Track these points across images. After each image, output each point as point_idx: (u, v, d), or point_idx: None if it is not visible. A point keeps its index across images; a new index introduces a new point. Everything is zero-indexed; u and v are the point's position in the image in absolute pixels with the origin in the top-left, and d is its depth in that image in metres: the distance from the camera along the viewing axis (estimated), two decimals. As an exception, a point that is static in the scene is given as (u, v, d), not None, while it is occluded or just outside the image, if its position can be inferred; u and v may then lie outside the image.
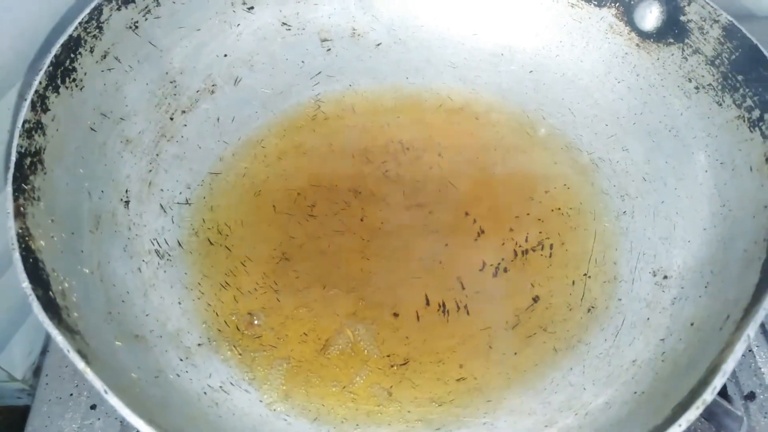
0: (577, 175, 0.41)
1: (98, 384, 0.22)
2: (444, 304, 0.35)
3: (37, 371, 0.42)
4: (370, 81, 0.44)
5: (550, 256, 0.37)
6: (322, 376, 0.32)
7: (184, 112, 0.40)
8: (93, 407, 0.36)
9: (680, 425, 0.23)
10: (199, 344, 0.33)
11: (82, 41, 0.34)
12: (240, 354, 0.33)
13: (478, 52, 0.44)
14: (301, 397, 0.32)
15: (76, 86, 0.34)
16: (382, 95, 0.44)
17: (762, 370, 0.37)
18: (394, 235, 0.38)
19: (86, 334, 0.26)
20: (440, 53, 0.45)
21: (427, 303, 0.36)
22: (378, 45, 0.45)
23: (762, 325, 0.39)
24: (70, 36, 0.33)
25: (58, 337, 0.24)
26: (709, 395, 0.23)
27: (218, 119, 0.41)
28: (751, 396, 0.37)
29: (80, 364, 0.23)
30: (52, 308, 0.25)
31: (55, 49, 0.32)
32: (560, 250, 0.38)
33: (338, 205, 0.39)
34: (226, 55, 0.42)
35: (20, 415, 0.40)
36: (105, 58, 0.36)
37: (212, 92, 0.41)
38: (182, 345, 0.32)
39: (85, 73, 0.34)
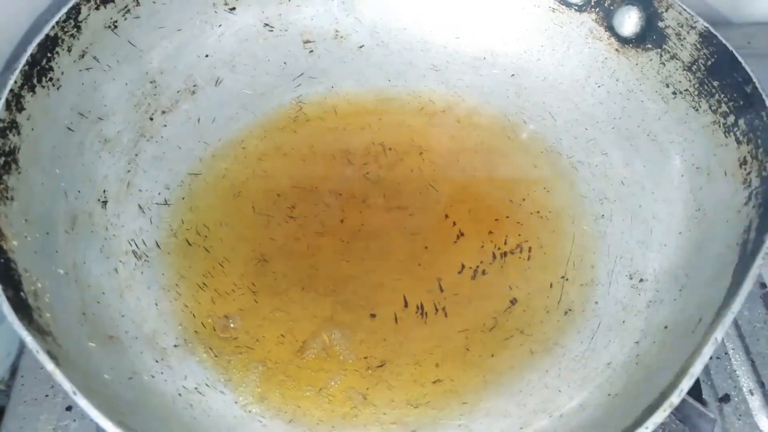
0: (557, 178, 0.41)
1: (67, 385, 0.22)
2: (422, 306, 0.36)
3: (13, 372, 0.42)
4: (353, 83, 0.44)
5: (528, 259, 0.37)
6: (298, 378, 0.32)
7: (164, 112, 0.40)
8: (69, 408, 0.35)
9: (647, 427, 0.23)
10: (175, 346, 0.33)
11: (60, 40, 0.34)
12: (216, 356, 0.33)
13: (460, 55, 0.45)
14: (276, 399, 0.32)
15: (53, 86, 0.34)
16: (364, 97, 0.44)
17: (737, 372, 0.38)
18: (374, 237, 0.38)
19: (58, 335, 0.26)
20: (422, 56, 0.45)
21: (406, 305, 0.36)
22: (360, 47, 0.45)
23: (737, 328, 0.39)
24: (47, 35, 0.33)
25: (28, 338, 0.23)
26: (676, 398, 0.23)
27: (199, 120, 0.41)
28: (725, 398, 0.37)
29: (49, 366, 0.23)
30: (22, 309, 0.25)
31: (32, 48, 0.32)
32: (539, 252, 0.38)
33: (318, 207, 0.39)
34: (207, 56, 0.42)
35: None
36: (83, 57, 0.36)
37: (193, 93, 0.41)
38: (158, 346, 0.32)
39: (62, 73, 0.34)
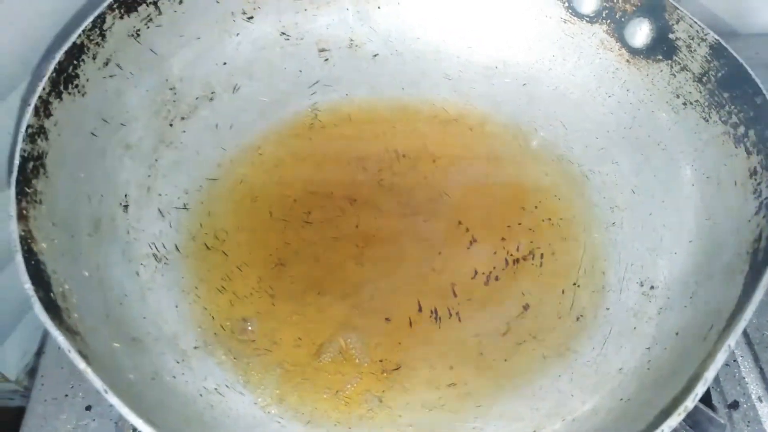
0: (568, 186, 0.41)
1: (98, 384, 0.23)
2: (436, 311, 0.36)
3: (32, 372, 0.42)
4: (367, 91, 0.45)
5: (540, 266, 0.38)
6: (315, 380, 0.33)
7: (183, 118, 0.41)
8: (88, 408, 0.36)
9: (662, 431, 0.24)
10: (195, 347, 0.33)
11: (85, 48, 0.35)
12: (235, 358, 0.33)
13: (472, 65, 0.45)
14: (294, 401, 0.32)
15: (79, 92, 0.34)
16: (378, 105, 0.44)
17: (746, 379, 0.38)
18: (389, 243, 0.39)
19: (86, 336, 0.27)
20: (436, 65, 0.45)
21: (420, 309, 0.36)
22: (375, 56, 0.45)
23: (746, 336, 0.40)
24: (74, 43, 0.34)
25: (60, 338, 0.24)
26: (690, 402, 0.24)
27: (217, 126, 0.41)
28: (734, 405, 0.37)
29: (81, 365, 0.23)
30: (53, 309, 0.26)
31: (59, 55, 0.33)
32: (550, 259, 0.38)
33: (334, 212, 0.40)
34: (225, 64, 0.42)
35: (12, 416, 0.41)
36: (107, 65, 0.36)
37: (211, 99, 0.42)
38: (178, 348, 0.33)
39: (87, 80, 0.35)
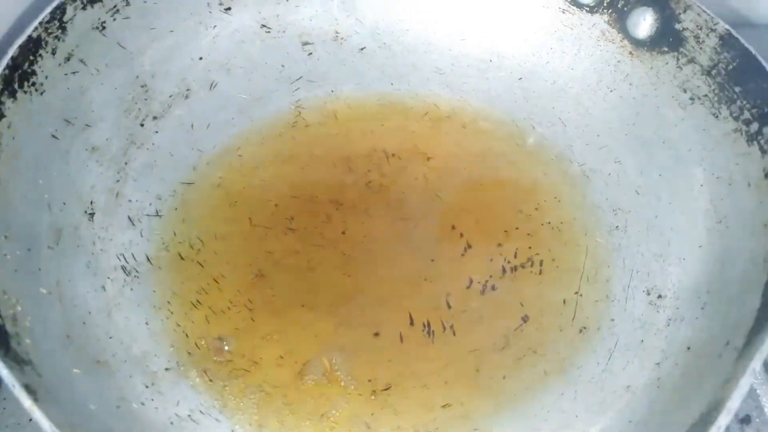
0: (568, 187, 0.39)
1: (45, 424, 0.20)
2: (429, 324, 0.34)
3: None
4: (354, 87, 0.42)
5: (540, 273, 0.36)
6: (298, 404, 0.30)
7: (155, 118, 0.38)
8: (53, 434, 0.33)
9: (683, 467, 0.21)
10: (166, 369, 0.31)
11: (43, 42, 0.32)
12: (210, 380, 0.31)
13: (465, 57, 0.43)
14: (275, 427, 0.30)
15: (36, 91, 0.32)
16: (365, 102, 0.42)
17: (757, 392, 0.36)
18: (377, 250, 0.36)
19: (39, 364, 0.24)
20: (426, 59, 0.43)
21: (411, 323, 0.34)
22: (362, 49, 0.43)
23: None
24: (29, 37, 0.31)
25: (3, 371, 0.21)
26: (713, 436, 0.21)
27: (192, 126, 0.39)
28: (746, 419, 0.35)
29: (26, 402, 0.21)
30: (-1, 336, 0.23)
31: (12, 50, 0.30)
32: (551, 266, 0.36)
33: (318, 218, 0.37)
34: (201, 59, 0.40)
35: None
36: (69, 60, 0.34)
37: (186, 97, 0.40)
38: (148, 370, 0.30)
39: (46, 77, 0.32)
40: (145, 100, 0.38)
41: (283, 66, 0.42)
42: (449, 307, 0.34)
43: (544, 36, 0.42)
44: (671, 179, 0.37)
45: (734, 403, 0.22)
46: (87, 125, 0.35)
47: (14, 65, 0.30)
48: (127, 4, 0.36)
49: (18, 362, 0.23)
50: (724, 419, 0.22)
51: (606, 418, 0.30)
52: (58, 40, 0.33)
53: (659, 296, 0.34)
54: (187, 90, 0.40)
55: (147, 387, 0.30)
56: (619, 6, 0.39)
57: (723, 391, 0.23)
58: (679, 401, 0.28)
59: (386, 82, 0.43)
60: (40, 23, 0.32)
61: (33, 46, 0.32)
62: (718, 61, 0.36)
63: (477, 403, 0.31)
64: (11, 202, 0.29)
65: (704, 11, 0.36)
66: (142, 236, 0.35)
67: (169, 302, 0.33)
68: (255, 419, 0.30)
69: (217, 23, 0.41)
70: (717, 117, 0.36)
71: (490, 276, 0.35)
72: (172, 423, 0.29)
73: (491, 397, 0.32)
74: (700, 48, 0.36)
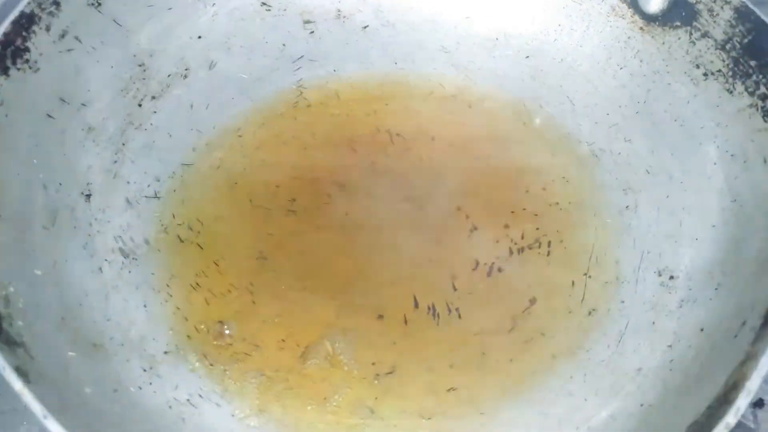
0: (577, 167, 0.38)
1: (36, 407, 0.20)
2: (434, 307, 0.33)
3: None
4: (357, 66, 0.42)
5: (547, 255, 0.35)
6: (300, 388, 0.30)
7: (153, 97, 0.38)
8: (52, 419, 0.33)
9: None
10: (165, 352, 0.30)
11: (37, 18, 0.31)
12: (210, 364, 0.30)
13: (471, 36, 0.42)
14: (277, 412, 0.29)
15: (30, 68, 0.31)
16: (368, 81, 0.41)
17: (771, 375, 0.35)
18: (381, 232, 0.36)
19: (32, 346, 0.24)
20: (431, 37, 0.42)
21: (416, 305, 0.33)
22: (365, 28, 0.42)
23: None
24: (22, 12, 0.31)
25: (-6, 352, 0.21)
26: (732, 418, 0.21)
27: (191, 106, 0.38)
28: (759, 403, 0.35)
29: (17, 385, 0.20)
30: (-10, 318, 0.23)
31: (4, 26, 0.30)
32: (559, 248, 0.35)
33: (321, 199, 0.37)
34: (200, 37, 0.39)
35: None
36: (63, 37, 0.33)
37: (185, 77, 0.39)
38: (146, 353, 0.30)
39: (41, 54, 0.32)
40: (143, 79, 0.37)
41: (284, 45, 0.41)
42: (455, 289, 0.34)
43: (552, 13, 0.41)
44: (683, 158, 0.36)
45: (753, 383, 0.21)
46: (83, 104, 0.34)
47: (7, 41, 0.30)
48: (124, -20, 0.35)
49: (9, 344, 0.22)
50: (743, 400, 0.21)
51: (616, 401, 0.29)
52: (52, 16, 0.32)
53: (671, 277, 0.33)
54: (186, 69, 0.39)
55: (145, 371, 0.29)
56: (629, -20, 0.38)
57: (740, 371, 0.23)
58: (693, 383, 0.27)
59: (390, 61, 0.42)
60: (33, -2, 0.31)
61: (26, 22, 0.31)
62: (732, 34, 0.35)
63: (483, 387, 0.31)
64: (5, 182, 0.28)
65: (718, -17, 0.35)
66: (140, 218, 0.34)
67: (168, 285, 0.32)
68: (256, 404, 0.29)
69: (216, 1, 0.40)
70: (731, 92, 0.35)
71: (497, 257, 0.35)
72: (170, 407, 0.28)
73: (498, 380, 0.31)
74: (714, 21, 0.35)
